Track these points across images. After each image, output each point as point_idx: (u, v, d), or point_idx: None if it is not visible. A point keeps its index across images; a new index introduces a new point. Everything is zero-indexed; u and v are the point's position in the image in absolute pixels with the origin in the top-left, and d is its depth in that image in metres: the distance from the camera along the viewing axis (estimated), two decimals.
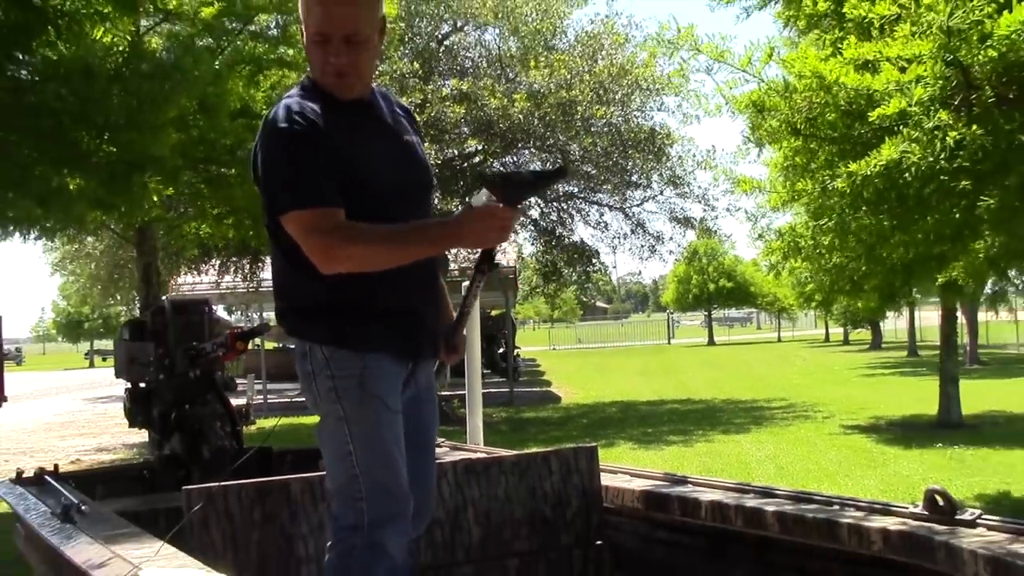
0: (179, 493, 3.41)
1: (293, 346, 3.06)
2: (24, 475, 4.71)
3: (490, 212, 2.77)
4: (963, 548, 2.50)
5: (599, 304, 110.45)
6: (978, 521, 2.67)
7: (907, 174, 4.48)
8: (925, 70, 4.26)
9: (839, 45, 4.81)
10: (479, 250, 3.06)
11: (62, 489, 4.10)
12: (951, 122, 4.30)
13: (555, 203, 19.69)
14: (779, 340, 57.11)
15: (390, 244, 2.80)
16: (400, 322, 2.97)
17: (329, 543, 2.98)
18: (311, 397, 2.98)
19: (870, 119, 4.38)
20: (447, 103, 16.44)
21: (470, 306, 3.24)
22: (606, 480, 3.97)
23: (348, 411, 2.88)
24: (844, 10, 4.74)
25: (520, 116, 16.96)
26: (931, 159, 4.25)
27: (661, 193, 19.56)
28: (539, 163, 18.88)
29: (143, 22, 9.40)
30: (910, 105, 4.25)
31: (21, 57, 7.08)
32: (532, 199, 19.57)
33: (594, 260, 20.66)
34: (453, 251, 17.87)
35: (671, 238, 20.31)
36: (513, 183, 2.90)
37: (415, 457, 3.10)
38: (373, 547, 2.89)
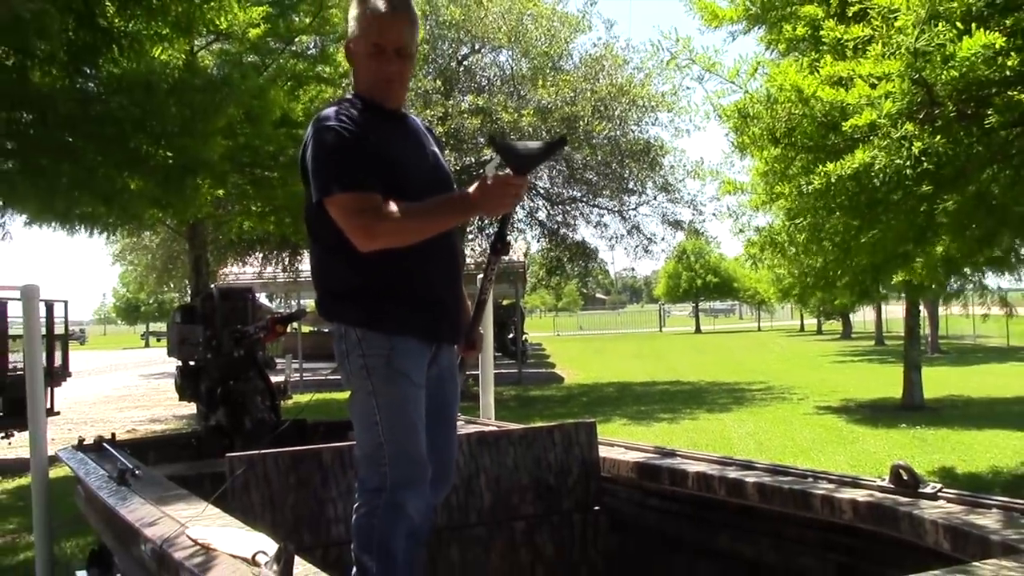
0: (223, 459, 3.40)
1: (328, 330, 3.07)
2: (85, 443, 4.70)
3: (505, 181, 2.78)
4: (925, 518, 2.47)
5: (598, 296, 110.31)
6: (939, 494, 2.64)
7: (876, 179, 4.46)
8: (893, 87, 4.23)
9: (816, 64, 4.78)
10: (493, 243, 3.07)
11: (118, 455, 4.09)
12: (916, 133, 4.28)
13: (560, 206, 19.68)
14: (759, 329, 57.10)
15: (419, 216, 2.82)
16: (424, 308, 2.96)
17: (356, 504, 2.98)
18: (344, 374, 2.98)
19: (844, 129, 4.36)
20: (465, 116, 16.43)
21: (487, 291, 3.22)
22: (603, 452, 3.95)
23: (376, 386, 2.88)
24: (821, 34, 4.71)
25: (529, 129, 16.94)
26: (899, 163, 4.22)
27: (654, 199, 19.56)
28: (547, 170, 18.87)
29: (196, 42, 9.40)
30: (880, 117, 4.23)
31: (89, 72, 7.07)
32: (541, 203, 19.57)
33: (594, 257, 20.69)
34: (468, 248, 17.88)
35: (663, 238, 20.34)
36: (523, 155, 2.88)
37: (438, 430, 3.09)
38: (394, 507, 2.89)
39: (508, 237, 3.08)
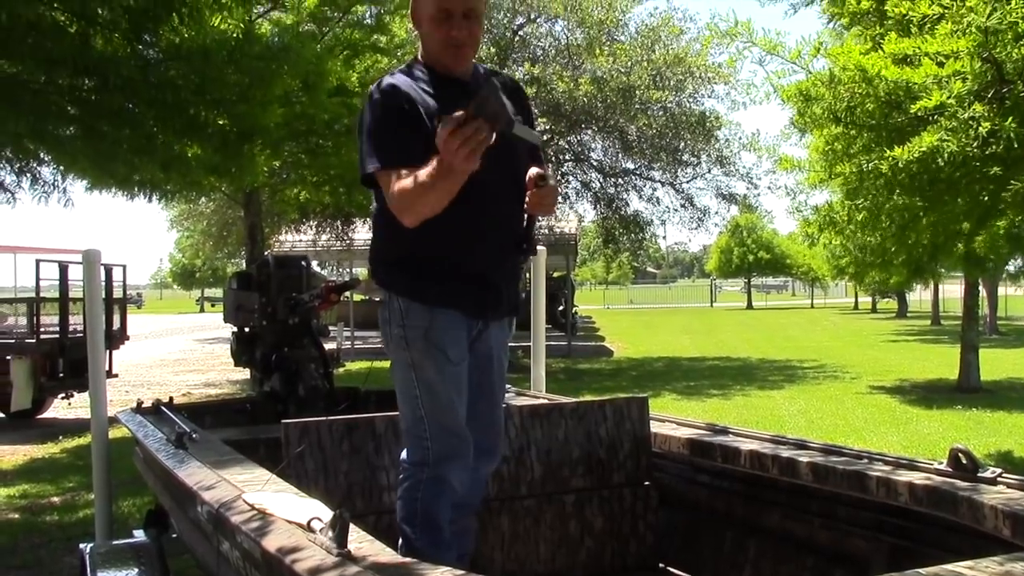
0: (277, 425, 3.44)
1: (379, 298, 3.08)
2: (143, 405, 4.79)
3: (448, 132, 2.41)
4: (984, 503, 2.44)
5: (649, 269, 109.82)
6: (999, 479, 2.61)
7: (940, 160, 4.37)
8: (962, 65, 4.13)
9: (880, 40, 4.69)
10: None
11: (175, 418, 4.16)
12: (985, 114, 4.18)
13: (612, 178, 19.60)
14: (812, 306, 56.49)
15: (422, 184, 2.60)
16: (470, 282, 2.94)
17: (400, 476, 3.01)
18: (385, 340, 3.02)
19: (911, 110, 4.27)
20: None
21: None
22: (655, 427, 3.94)
23: (415, 359, 2.91)
24: (885, 8, 4.61)
25: (584, 99, 16.89)
26: (966, 147, 4.13)
27: (709, 171, 19.44)
28: (601, 140, 18.80)
29: (254, 11, 9.45)
30: (948, 98, 4.13)
31: (149, 40, 7.14)
32: (594, 175, 19.45)
33: (646, 230, 20.59)
34: None
35: (716, 212, 20.25)
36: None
37: (485, 406, 3.12)
38: (437, 480, 2.92)
39: (535, 240, 3.06)
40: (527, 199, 2.95)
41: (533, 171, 2.93)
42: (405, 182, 2.67)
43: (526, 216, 3.02)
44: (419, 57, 3.00)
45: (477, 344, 3.04)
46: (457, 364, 2.93)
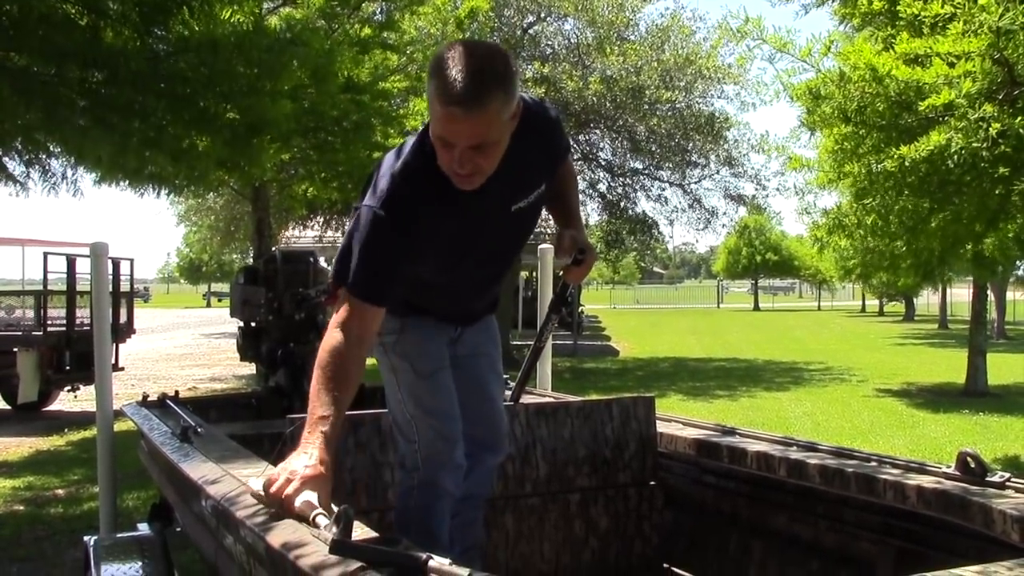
0: (282, 420, 3.43)
1: None
2: (149, 399, 4.78)
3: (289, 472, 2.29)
4: (992, 507, 2.42)
5: (656, 269, 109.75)
6: (1007, 484, 2.59)
7: (950, 161, 4.36)
8: (973, 66, 4.12)
9: (891, 41, 4.67)
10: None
11: (181, 412, 4.15)
12: (995, 114, 4.16)
13: (621, 178, 19.58)
14: (819, 309, 56.44)
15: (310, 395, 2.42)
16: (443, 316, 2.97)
17: (399, 481, 3.00)
18: None
19: (920, 109, 4.26)
20: (529, 85, 16.37)
21: (544, 340, 3.44)
22: (661, 427, 3.92)
23: (395, 363, 2.91)
24: (898, 8, 4.59)
25: (593, 98, 16.88)
26: (975, 146, 4.12)
27: (717, 172, 19.44)
28: (609, 140, 18.75)
29: (264, 6, 9.43)
30: (958, 97, 4.12)
31: (159, 33, 7.13)
32: (602, 175, 19.43)
33: (653, 230, 20.59)
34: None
35: (724, 213, 20.25)
36: None
37: (478, 403, 3.11)
38: (429, 485, 2.90)
39: (569, 301, 3.09)
40: (565, 271, 2.99)
41: (569, 240, 2.90)
42: (322, 367, 2.40)
43: (561, 283, 3.13)
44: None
45: (458, 345, 3.05)
46: (436, 368, 2.91)
